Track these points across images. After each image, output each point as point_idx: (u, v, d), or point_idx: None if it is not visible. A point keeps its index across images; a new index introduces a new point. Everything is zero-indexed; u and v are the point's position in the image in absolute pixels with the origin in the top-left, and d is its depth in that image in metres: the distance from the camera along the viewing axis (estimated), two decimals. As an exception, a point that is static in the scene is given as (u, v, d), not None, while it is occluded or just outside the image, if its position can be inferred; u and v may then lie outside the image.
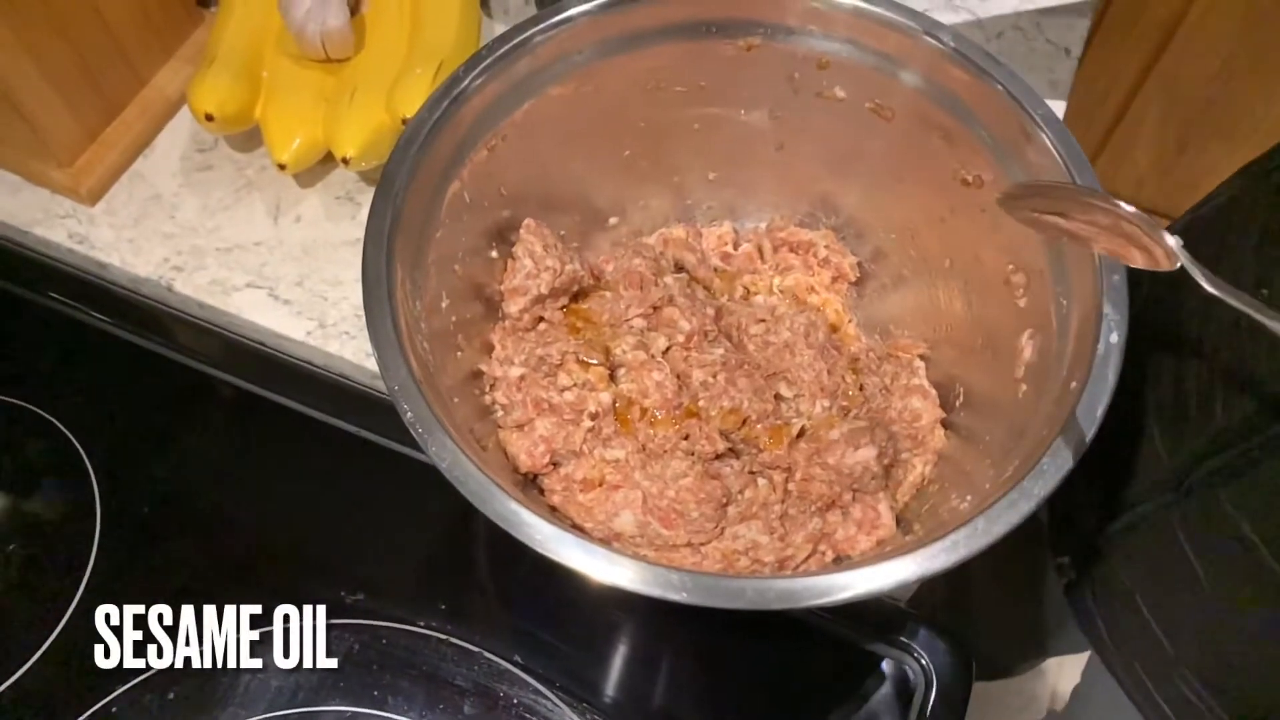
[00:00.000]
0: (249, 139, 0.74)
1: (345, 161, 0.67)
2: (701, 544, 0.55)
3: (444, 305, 0.55)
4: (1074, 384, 0.46)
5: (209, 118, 0.67)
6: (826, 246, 0.65)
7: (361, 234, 0.70)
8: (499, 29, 0.56)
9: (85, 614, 0.60)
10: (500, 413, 0.57)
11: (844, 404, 0.60)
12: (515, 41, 0.54)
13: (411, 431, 0.45)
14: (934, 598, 1.14)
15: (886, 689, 0.60)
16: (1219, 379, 0.57)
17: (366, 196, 0.73)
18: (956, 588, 1.01)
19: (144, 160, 0.75)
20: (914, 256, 0.62)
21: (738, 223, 0.68)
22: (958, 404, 0.58)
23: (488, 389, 0.58)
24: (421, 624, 0.60)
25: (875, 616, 0.62)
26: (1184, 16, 1.23)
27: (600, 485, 0.56)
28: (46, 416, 0.66)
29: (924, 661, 0.60)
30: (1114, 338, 0.45)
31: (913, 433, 0.58)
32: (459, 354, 0.56)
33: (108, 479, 0.64)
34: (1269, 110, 1.28)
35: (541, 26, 0.54)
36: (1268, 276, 0.56)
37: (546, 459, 0.56)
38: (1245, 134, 1.33)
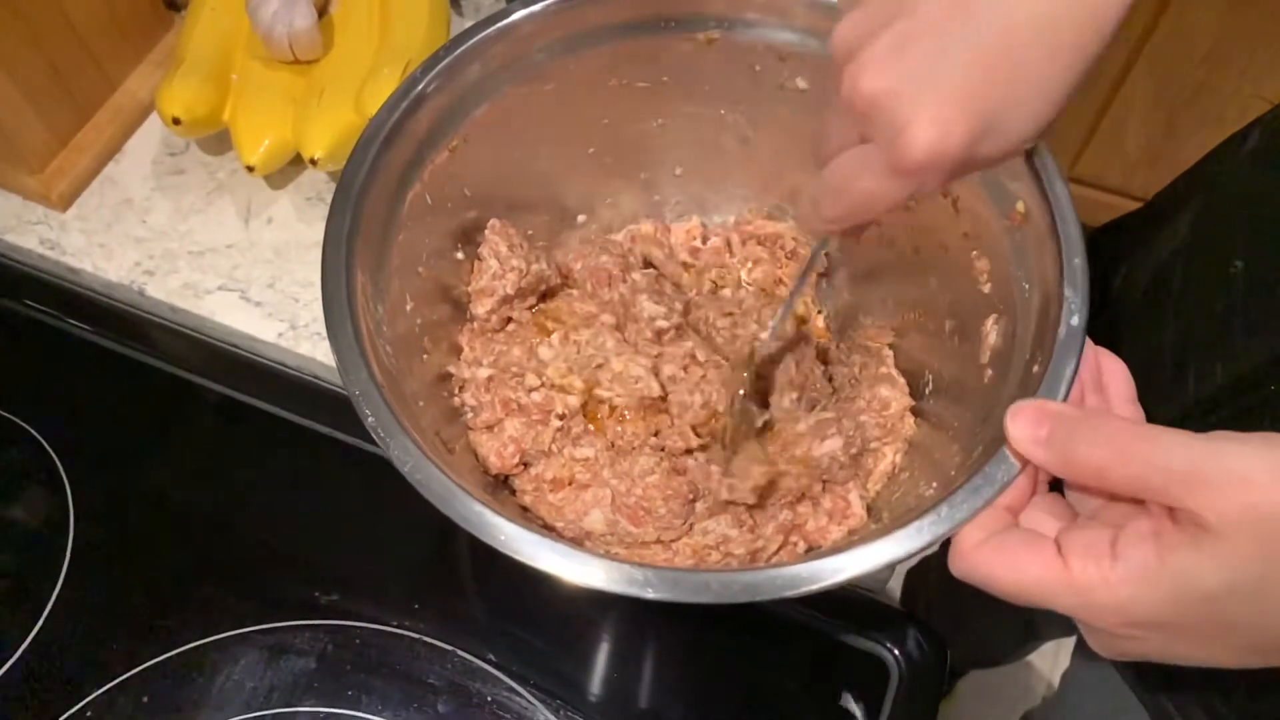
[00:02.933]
0: (220, 142, 0.75)
1: (314, 162, 0.67)
2: (671, 540, 0.55)
3: (408, 308, 0.55)
4: (1035, 368, 0.46)
5: (176, 121, 0.67)
6: (794, 239, 0.64)
7: (332, 235, 0.71)
8: (468, 27, 0.56)
9: (59, 619, 0.60)
10: (469, 414, 0.57)
11: (813, 395, 0.60)
12: (472, 41, 0.54)
13: (373, 435, 0.45)
14: (926, 585, 1.15)
15: (862, 680, 0.60)
16: (1192, 349, 0.57)
17: (337, 197, 0.73)
18: (949, 575, 1.01)
19: (115, 165, 0.75)
20: (881, 246, 0.62)
21: (705, 217, 0.68)
22: (927, 391, 0.58)
23: (456, 391, 0.58)
24: (395, 623, 0.60)
25: (851, 608, 0.62)
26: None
27: (570, 484, 0.56)
28: (19, 422, 0.66)
29: (899, 652, 0.60)
30: (1074, 320, 0.45)
31: (882, 421, 0.58)
32: (425, 356, 0.56)
33: (81, 484, 0.64)
34: (1259, 94, 1.28)
35: (498, 26, 0.54)
36: (1239, 250, 0.56)
37: (516, 459, 0.56)
38: (1235, 118, 1.32)
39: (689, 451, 0.57)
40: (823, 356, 0.62)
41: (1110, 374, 0.44)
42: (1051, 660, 1.34)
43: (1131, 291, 0.66)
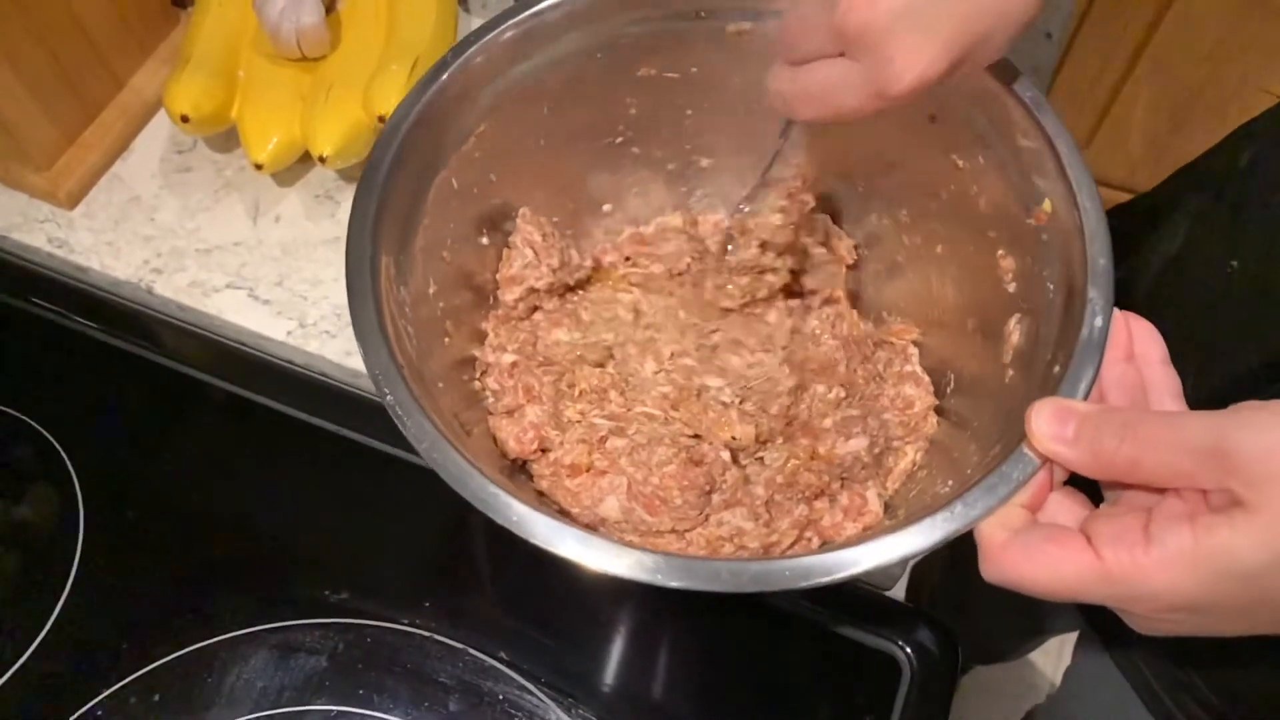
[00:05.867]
0: (227, 139, 0.74)
1: (322, 160, 0.67)
2: (686, 531, 0.55)
3: (431, 291, 0.54)
4: (1056, 368, 0.45)
5: (185, 119, 0.67)
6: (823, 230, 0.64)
7: (341, 233, 0.71)
8: (476, 24, 0.56)
9: (70, 618, 0.60)
10: (490, 399, 0.57)
11: (840, 389, 0.60)
12: (501, 28, 0.53)
13: (392, 414, 0.45)
14: (931, 581, 1.14)
15: (873, 677, 0.60)
16: (1189, 351, 0.56)
17: (345, 195, 0.73)
18: (953, 570, 1.01)
19: (122, 163, 0.75)
20: (907, 242, 0.61)
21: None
22: (949, 390, 0.58)
23: (478, 375, 0.58)
24: (406, 622, 0.60)
25: (862, 605, 0.62)
26: (1174, -3, 1.23)
27: (587, 471, 0.56)
28: (28, 421, 0.66)
29: (910, 649, 0.60)
30: (1098, 321, 0.45)
31: (905, 419, 0.58)
32: (447, 340, 0.56)
33: (91, 482, 0.64)
34: (1263, 91, 1.28)
35: (528, 13, 0.54)
36: (1235, 250, 0.56)
37: (535, 445, 0.56)
38: (1238, 115, 1.32)
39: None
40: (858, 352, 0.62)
41: (1141, 339, 0.44)
42: (1055, 657, 1.33)
43: (1132, 290, 0.66)
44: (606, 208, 0.65)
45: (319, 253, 0.70)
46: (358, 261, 0.48)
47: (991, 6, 0.39)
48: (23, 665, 0.58)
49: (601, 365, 0.59)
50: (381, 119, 0.65)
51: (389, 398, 0.45)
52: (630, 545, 0.42)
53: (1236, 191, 0.59)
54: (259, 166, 0.68)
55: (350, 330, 0.66)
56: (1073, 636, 0.92)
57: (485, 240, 0.59)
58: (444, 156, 0.54)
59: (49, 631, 0.59)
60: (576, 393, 0.58)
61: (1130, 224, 0.71)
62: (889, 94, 0.39)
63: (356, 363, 0.66)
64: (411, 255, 0.52)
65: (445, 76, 0.53)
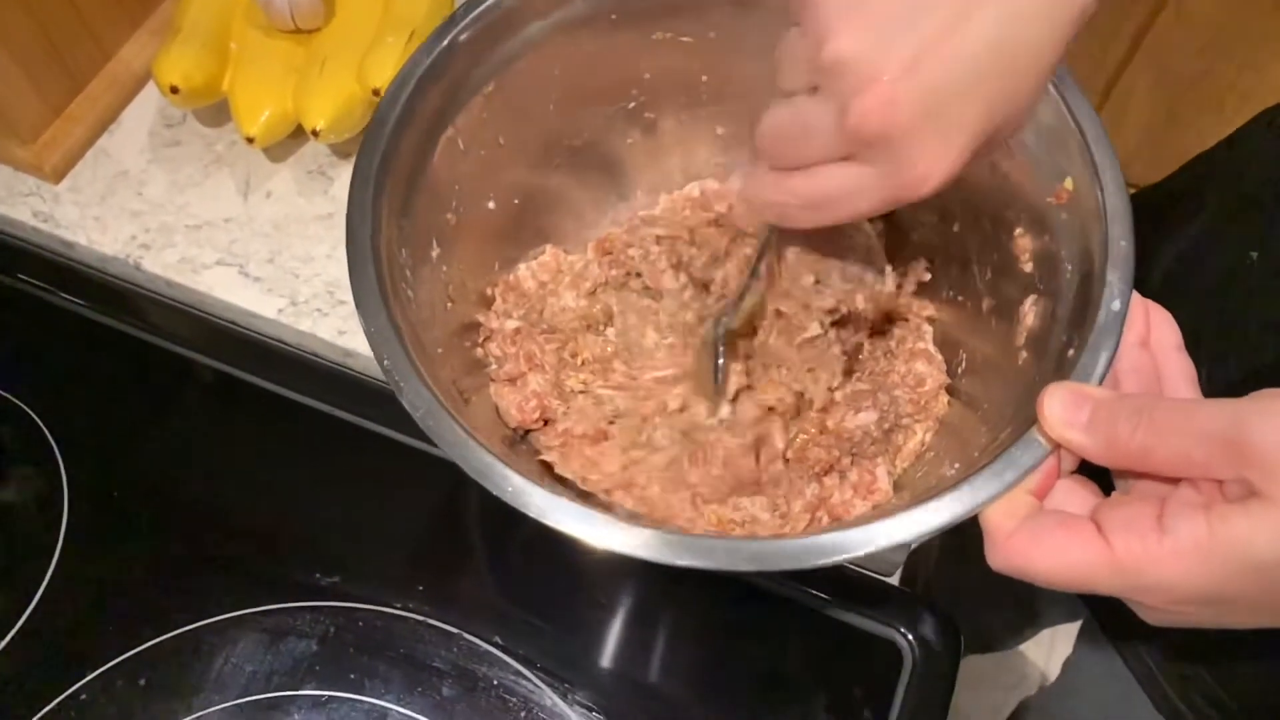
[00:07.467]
0: (218, 113, 0.73)
1: (315, 134, 0.65)
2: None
3: (435, 254, 0.53)
4: (1071, 351, 0.44)
5: (174, 90, 0.65)
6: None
7: (334, 209, 0.70)
8: (472, -4, 0.55)
9: (53, 601, 0.59)
10: (493, 365, 0.57)
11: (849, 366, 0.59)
12: None
13: (388, 379, 0.44)
14: (927, 568, 1.14)
15: (874, 664, 0.59)
16: (1206, 342, 0.56)
17: (338, 170, 0.71)
18: (948, 558, 1.00)
19: (110, 136, 0.73)
20: (924, 219, 0.60)
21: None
22: (960, 370, 0.57)
23: (480, 341, 0.57)
24: (399, 605, 0.59)
25: (864, 592, 0.61)
26: (1173, -12, 1.22)
27: (606, 439, 0.55)
28: (12, 399, 0.65)
29: (911, 636, 0.59)
30: (1115, 305, 0.44)
31: (915, 398, 0.57)
32: (449, 305, 0.55)
33: (75, 462, 0.63)
34: (1260, 83, 1.28)
35: None
36: (1255, 241, 0.56)
37: (537, 415, 0.55)
38: (1235, 107, 1.32)
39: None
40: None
41: (1157, 325, 0.43)
42: (1048, 648, 1.33)
43: (1146, 278, 0.66)
44: (618, 175, 0.64)
45: (311, 229, 0.69)
46: (359, 220, 0.47)
47: (1007, 91, 0.35)
48: (5, 649, 0.57)
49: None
50: (376, 92, 0.64)
51: (386, 362, 0.44)
52: (628, 519, 0.41)
53: (1256, 181, 0.58)
54: (250, 140, 0.66)
55: (342, 309, 0.66)
56: (1066, 627, 0.91)
57: (491, 204, 0.58)
58: (451, 115, 0.53)
59: (32, 615, 0.58)
60: (579, 362, 0.57)
61: (1146, 212, 0.70)
62: (910, 198, 0.36)
63: (348, 342, 0.65)
64: (415, 216, 0.51)
65: (454, 32, 0.52)
